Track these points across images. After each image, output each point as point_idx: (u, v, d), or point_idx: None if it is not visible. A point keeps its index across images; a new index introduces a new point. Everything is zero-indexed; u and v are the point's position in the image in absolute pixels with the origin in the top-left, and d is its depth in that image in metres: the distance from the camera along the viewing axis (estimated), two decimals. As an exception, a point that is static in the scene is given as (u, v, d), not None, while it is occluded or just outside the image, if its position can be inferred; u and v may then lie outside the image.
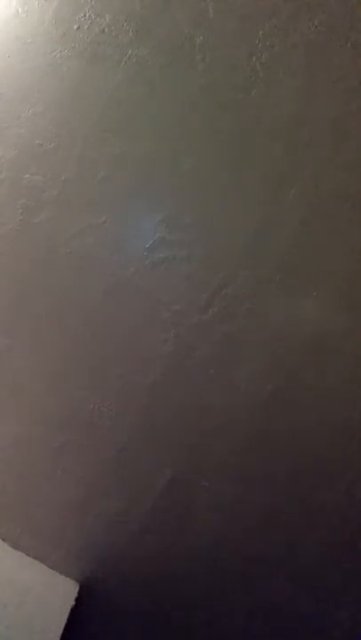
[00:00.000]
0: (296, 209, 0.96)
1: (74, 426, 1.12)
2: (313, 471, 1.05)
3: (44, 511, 1.18)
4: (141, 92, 0.98)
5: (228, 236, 1.00)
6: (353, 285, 0.97)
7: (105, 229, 1.05)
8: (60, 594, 1.17)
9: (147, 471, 1.11)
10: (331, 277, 0.97)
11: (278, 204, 0.97)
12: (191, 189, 1.00)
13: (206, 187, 0.99)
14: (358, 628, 1.09)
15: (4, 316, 1.13)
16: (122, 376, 1.08)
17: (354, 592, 1.08)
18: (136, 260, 1.04)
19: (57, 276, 1.08)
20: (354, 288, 0.97)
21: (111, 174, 1.03)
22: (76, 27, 0.98)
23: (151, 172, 1.01)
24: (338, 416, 1.01)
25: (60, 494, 1.16)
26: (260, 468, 1.06)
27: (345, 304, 0.98)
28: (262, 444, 1.05)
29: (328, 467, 1.04)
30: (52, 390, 1.12)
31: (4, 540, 1.21)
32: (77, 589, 1.19)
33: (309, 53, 0.90)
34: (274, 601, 1.12)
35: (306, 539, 1.08)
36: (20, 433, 1.16)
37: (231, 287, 1.01)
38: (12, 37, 1.01)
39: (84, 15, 0.97)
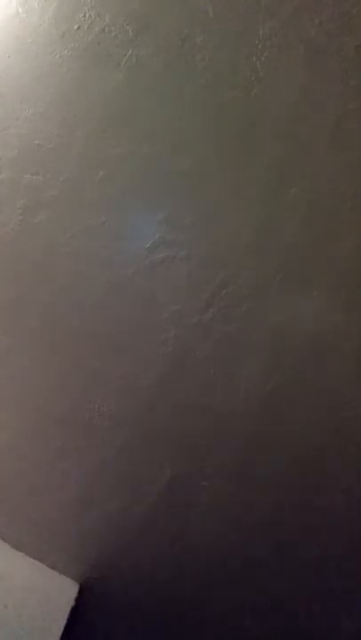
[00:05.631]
0: (296, 209, 0.96)
1: (74, 426, 1.12)
2: (313, 471, 1.05)
3: (43, 511, 1.18)
4: (141, 91, 0.98)
5: (228, 236, 1.00)
6: (353, 285, 0.97)
7: (105, 229, 1.05)
8: (60, 594, 1.17)
9: (147, 471, 1.11)
10: (331, 277, 0.97)
11: (278, 204, 0.97)
12: (191, 189, 1.00)
13: (206, 187, 0.99)
14: (359, 627, 1.09)
15: (5, 315, 1.13)
16: (122, 376, 1.08)
17: (354, 592, 1.08)
18: (136, 260, 1.04)
19: (57, 276, 1.08)
20: (354, 288, 0.97)
21: (111, 174, 1.03)
22: (76, 27, 0.98)
23: (151, 172, 1.01)
24: (338, 416, 1.01)
25: (60, 494, 1.16)
26: (260, 468, 1.06)
27: (345, 304, 0.97)
28: (262, 444, 1.05)
29: (328, 467, 1.04)
30: (52, 390, 1.12)
31: (4, 540, 1.21)
32: (77, 589, 1.19)
33: (309, 53, 0.90)
34: (274, 601, 1.12)
35: (306, 539, 1.08)
36: (20, 433, 1.16)
37: (231, 287, 1.01)
38: (12, 37, 1.01)
39: (84, 15, 0.97)
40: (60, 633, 1.10)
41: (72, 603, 1.16)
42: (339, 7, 0.87)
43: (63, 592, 1.17)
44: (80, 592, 1.19)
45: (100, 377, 1.10)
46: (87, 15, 0.97)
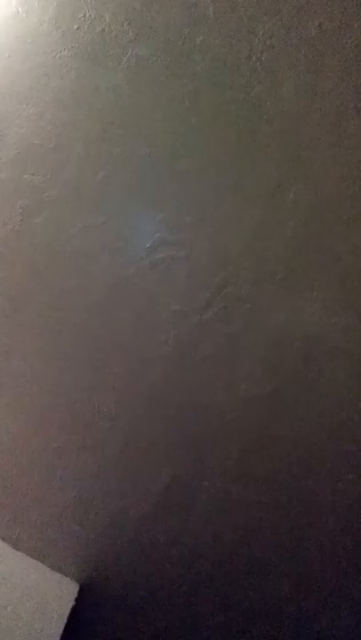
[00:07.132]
0: (296, 209, 0.96)
1: (74, 426, 1.12)
2: (313, 471, 1.05)
3: (43, 511, 1.18)
4: (141, 91, 0.98)
5: (228, 236, 1.00)
6: (353, 285, 0.97)
7: (105, 229, 1.05)
8: (60, 594, 1.17)
9: (147, 471, 1.11)
10: (331, 277, 0.97)
11: (278, 204, 0.97)
12: (191, 190, 1.00)
13: (206, 187, 0.99)
14: (359, 627, 1.09)
15: (4, 316, 1.13)
16: (122, 376, 1.08)
17: (354, 592, 1.08)
18: (136, 260, 1.04)
19: (57, 276, 1.08)
20: (354, 288, 0.97)
21: (111, 174, 1.03)
22: (76, 27, 0.98)
23: (151, 172, 1.01)
24: (338, 416, 1.01)
25: (60, 494, 1.16)
26: (260, 468, 1.06)
27: (345, 304, 0.97)
28: (262, 444, 1.05)
29: (328, 467, 1.04)
30: (52, 390, 1.12)
31: (4, 540, 1.21)
32: (77, 589, 1.19)
33: (309, 53, 0.90)
34: (274, 601, 1.12)
35: (306, 539, 1.08)
36: (20, 433, 1.16)
37: (231, 287, 1.01)
38: (12, 37, 1.01)
39: (84, 15, 0.97)
40: (60, 633, 1.10)
41: (72, 603, 1.16)
42: (338, 7, 0.87)
43: (63, 592, 1.17)
44: (80, 592, 1.19)
45: (100, 377, 1.10)
46: (87, 15, 0.97)
